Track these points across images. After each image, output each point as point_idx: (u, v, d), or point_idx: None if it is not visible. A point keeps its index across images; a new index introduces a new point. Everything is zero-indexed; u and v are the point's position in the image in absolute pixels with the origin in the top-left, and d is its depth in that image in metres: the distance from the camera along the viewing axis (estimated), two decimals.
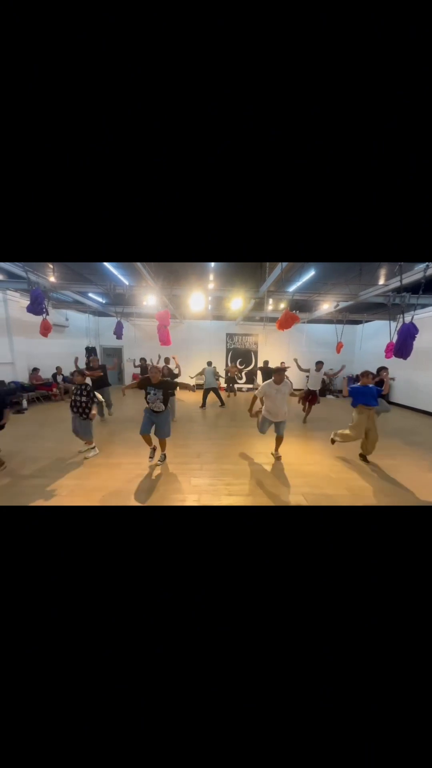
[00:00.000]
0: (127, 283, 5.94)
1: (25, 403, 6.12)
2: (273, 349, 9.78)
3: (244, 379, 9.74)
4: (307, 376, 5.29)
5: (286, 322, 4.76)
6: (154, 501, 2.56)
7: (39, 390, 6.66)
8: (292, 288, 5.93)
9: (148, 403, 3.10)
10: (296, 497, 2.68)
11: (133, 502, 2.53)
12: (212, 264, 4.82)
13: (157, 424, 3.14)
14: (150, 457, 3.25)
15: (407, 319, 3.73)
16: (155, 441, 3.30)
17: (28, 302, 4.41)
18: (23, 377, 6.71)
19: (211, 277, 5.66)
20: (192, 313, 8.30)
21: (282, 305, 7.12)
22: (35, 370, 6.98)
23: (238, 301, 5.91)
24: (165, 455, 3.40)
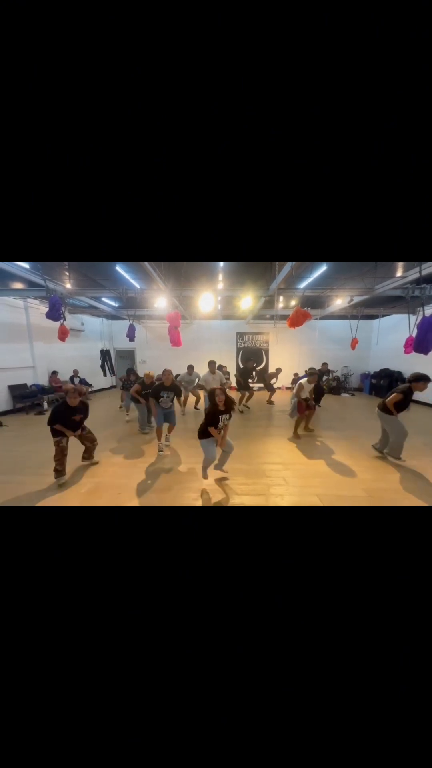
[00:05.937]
0: (138, 286, 6.05)
1: (45, 404, 6.41)
2: (284, 347, 9.65)
3: (256, 378, 9.68)
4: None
5: (297, 319, 4.68)
6: (166, 500, 2.61)
7: (57, 392, 6.94)
8: (303, 284, 5.82)
9: (161, 404, 3.66)
10: (311, 498, 2.64)
11: (144, 501, 2.58)
12: (221, 264, 4.81)
13: (168, 415, 3.84)
14: (160, 451, 3.79)
15: (428, 312, 3.57)
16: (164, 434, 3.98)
17: (47, 309, 4.60)
18: (43, 380, 7.03)
19: (220, 277, 5.65)
20: (202, 314, 8.33)
21: (293, 302, 7.01)
22: (54, 373, 7.29)
23: (247, 300, 5.87)
24: (169, 437, 4.07)
